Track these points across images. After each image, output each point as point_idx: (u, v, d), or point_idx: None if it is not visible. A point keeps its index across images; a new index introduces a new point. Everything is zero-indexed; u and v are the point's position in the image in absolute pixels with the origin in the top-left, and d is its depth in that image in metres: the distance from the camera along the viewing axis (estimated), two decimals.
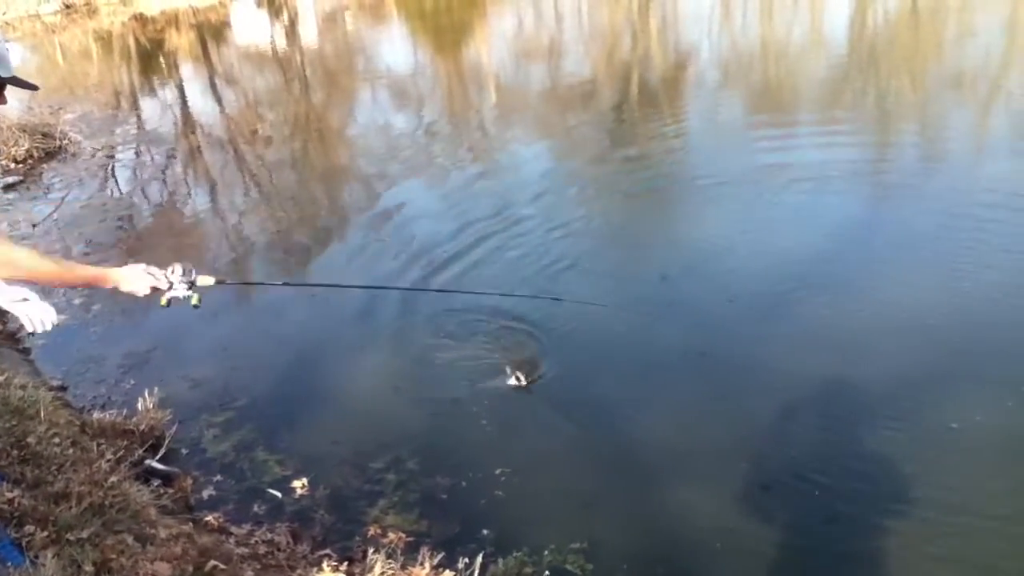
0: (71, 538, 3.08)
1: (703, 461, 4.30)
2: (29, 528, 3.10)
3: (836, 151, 8.61)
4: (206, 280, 2.96)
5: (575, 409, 4.76)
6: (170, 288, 2.86)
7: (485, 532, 3.85)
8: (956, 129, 9.41)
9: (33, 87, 2.70)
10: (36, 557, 2.91)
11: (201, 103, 14.19)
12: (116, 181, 9.70)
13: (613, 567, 3.67)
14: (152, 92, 15.18)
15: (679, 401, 4.82)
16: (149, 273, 2.83)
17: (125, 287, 2.78)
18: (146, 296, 2.83)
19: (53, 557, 2.93)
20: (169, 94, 15.08)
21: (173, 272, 2.87)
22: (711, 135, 9.83)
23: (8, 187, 9.10)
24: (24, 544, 3.00)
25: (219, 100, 14.44)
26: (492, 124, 11.26)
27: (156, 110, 13.74)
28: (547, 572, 3.45)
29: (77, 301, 6.46)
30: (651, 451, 4.41)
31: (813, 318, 5.45)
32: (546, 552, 3.70)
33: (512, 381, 4.91)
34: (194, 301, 2.89)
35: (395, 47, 18.46)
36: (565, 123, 10.88)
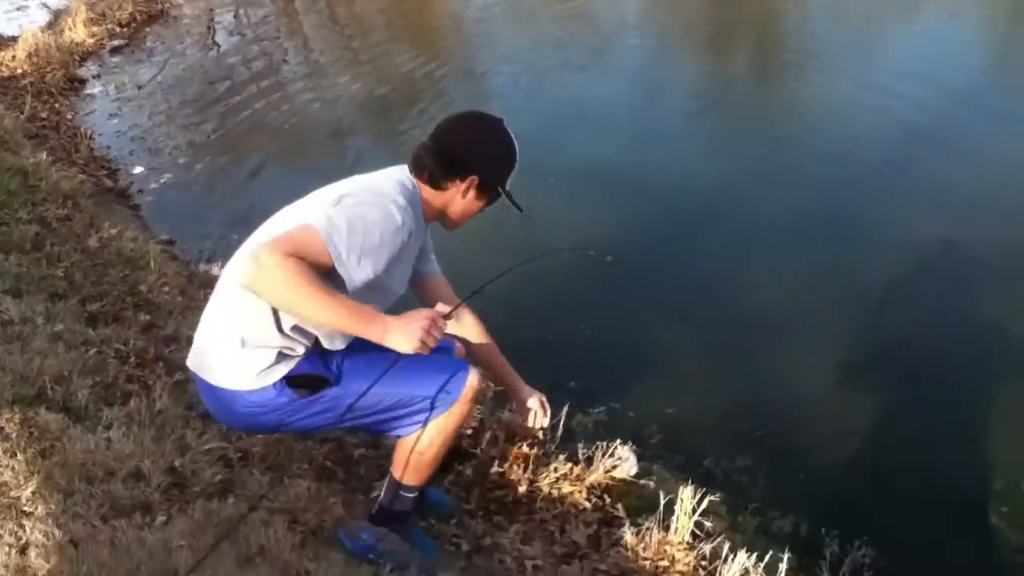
0: (180, 378, 3.29)
1: (801, 332, 4.24)
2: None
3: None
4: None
5: (671, 269, 4.73)
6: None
7: (572, 384, 3.91)
8: None
9: None
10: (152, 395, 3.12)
11: None
12: (216, 44, 9.79)
13: (699, 429, 3.71)
14: None
15: (781, 267, 4.72)
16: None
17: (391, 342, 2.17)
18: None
19: (168, 396, 3.14)
20: None
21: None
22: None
23: (114, 50, 9.29)
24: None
25: None
26: None
27: None
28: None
29: (181, 160, 6.68)
30: (745, 319, 4.35)
31: (934, 182, 5.29)
32: (631, 412, 3.76)
33: None
34: None
35: None
36: None
